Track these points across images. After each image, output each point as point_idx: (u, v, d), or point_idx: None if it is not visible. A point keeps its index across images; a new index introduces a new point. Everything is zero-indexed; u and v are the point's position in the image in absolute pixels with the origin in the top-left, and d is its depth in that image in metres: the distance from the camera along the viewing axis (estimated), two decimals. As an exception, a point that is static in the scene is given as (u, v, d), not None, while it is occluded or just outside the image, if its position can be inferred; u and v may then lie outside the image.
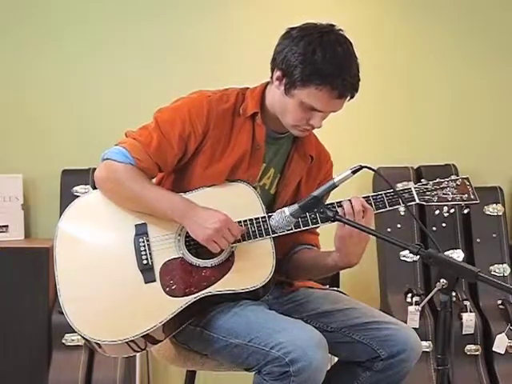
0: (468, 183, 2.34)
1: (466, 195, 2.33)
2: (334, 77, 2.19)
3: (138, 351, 2.28)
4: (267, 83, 2.38)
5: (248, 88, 2.41)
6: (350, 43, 2.26)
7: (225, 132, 2.34)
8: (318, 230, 2.50)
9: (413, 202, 2.31)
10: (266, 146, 2.37)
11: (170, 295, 2.25)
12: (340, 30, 2.27)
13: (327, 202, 2.27)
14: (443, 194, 2.32)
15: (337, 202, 2.27)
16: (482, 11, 4.09)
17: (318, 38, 2.21)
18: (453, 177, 2.35)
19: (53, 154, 3.90)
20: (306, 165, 2.44)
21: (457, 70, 4.10)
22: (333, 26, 2.27)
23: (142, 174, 2.29)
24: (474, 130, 4.10)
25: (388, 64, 4.05)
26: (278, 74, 2.27)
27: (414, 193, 2.31)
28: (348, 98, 2.25)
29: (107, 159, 2.31)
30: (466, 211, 2.35)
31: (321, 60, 2.19)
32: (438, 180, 2.33)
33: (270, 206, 2.39)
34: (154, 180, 2.39)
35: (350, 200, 2.24)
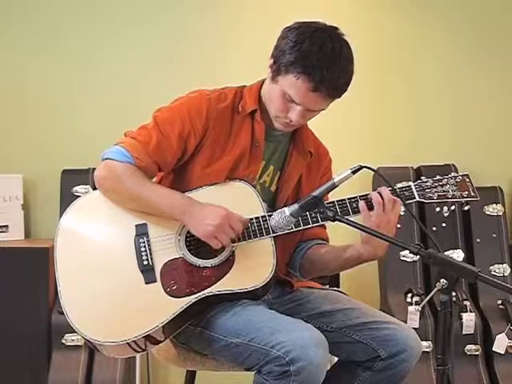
0: (468, 180, 2.34)
1: (466, 192, 2.32)
2: (313, 68, 2.17)
3: (138, 351, 2.28)
4: (263, 80, 2.39)
5: (245, 86, 2.41)
6: (348, 48, 2.25)
7: (224, 130, 2.34)
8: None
9: (413, 200, 2.30)
10: (264, 143, 2.37)
11: (171, 295, 2.25)
12: (342, 34, 2.26)
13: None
14: (443, 191, 2.31)
15: (360, 196, 2.27)
16: (483, 11, 4.09)
17: (312, 31, 2.22)
18: (453, 174, 2.34)
19: (53, 153, 3.90)
20: (305, 161, 2.44)
21: (457, 69, 4.10)
22: (336, 28, 2.27)
23: (141, 173, 2.29)
24: (473, 130, 4.10)
25: (388, 64, 4.05)
26: (270, 61, 2.28)
27: (414, 190, 2.30)
28: (325, 96, 2.22)
29: (107, 159, 2.31)
30: (466, 208, 2.34)
31: (306, 50, 2.19)
32: (437, 177, 2.33)
33: (272, 203, 2.39)
34: (154, 179, 2.39)
35: (378, 192, 2.24)
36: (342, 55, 2.22)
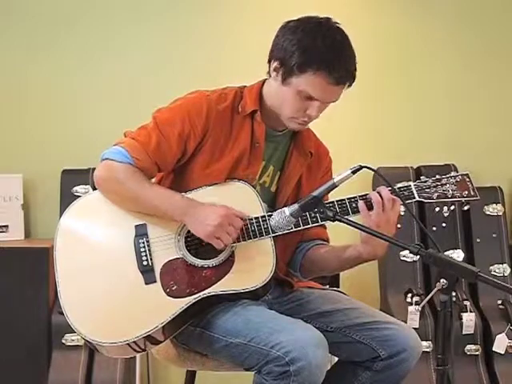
0: (468, 180, 2.33)
1: (466, 192, 2.31)
2: (332, 62, 2.19)
3: (138, 352, 2.28)
4: (264, 80, 2.39)
5: (245, 86, 2.41)
6: (346, 34, 2.27)
7: (224, 131, 2.34)
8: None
9: (412, 200, 2.30)
10: (264, 143, 2.37)
11: (171, 296, 2.25)
12: (337, 22, 2.28)
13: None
14: (443, 190, 2.31)
15: (359, 196, 2.27)
16: (482, 10, 4.09)
17: (315, 26, 2.24)
18: (453, 173, 2.33)
19: (53, 153, 3.90)
20: (305, 161, 2.44)
21: (457, 69, 4.10)
22: (329, 18, 2.29)
23: (141, 173, 2.29)
24: (473, 129, 4.10)
25: (388, 64, 4.05)
26: (275, 64, 2.28)
27: (414, 190, 2.30)
28: (343, 86, 2.25)
29: (106, 159, 2.31)
30: (466, 208, 2.34)
31: (319, 46, 2.20)
32: (437, 177, 2.32)
33: (272, 203, 2.39)
34: (153, 180, 2.39)
35: (377, 191, 2.24)
36: (347, 43, 2.26)
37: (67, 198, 3.25)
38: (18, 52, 3.92)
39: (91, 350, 3.48)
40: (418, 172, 3.92)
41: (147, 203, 2.28)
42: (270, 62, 2.31)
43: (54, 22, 3.92)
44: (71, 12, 3.93)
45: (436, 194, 2.30)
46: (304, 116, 2.29)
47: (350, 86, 2.27)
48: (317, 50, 2.20)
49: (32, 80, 3.93)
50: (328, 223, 2.28)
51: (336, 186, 2.08)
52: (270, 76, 2.32)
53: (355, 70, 2.26)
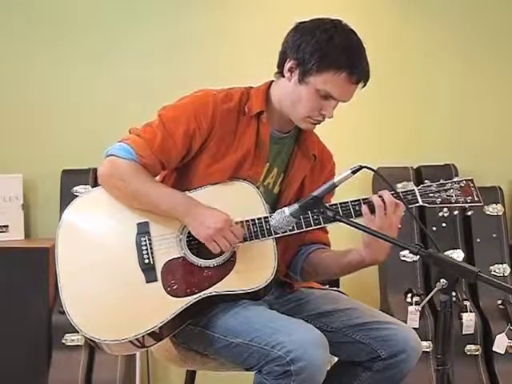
0: (472, 185, 2.33)
1: (470, 197, 2.31)
2: (353, 62, 2.24)
3: (140, 347, 2.28)
4: (271, 82, 2.39)
5: (252, 87, 2.41)
6: (359, 36, 2.32)
7: (229, 130, 2.34)
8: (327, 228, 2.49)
9: (416, 204, 2.29)
10: (269, 145, 2.37)
11: (172, 295, 2.25)
12: (347, 24, 2.33)
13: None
14: (447, 195, 2.30)
15: (362, 199, 2.27)
16: (484, 11, 4.09)
17: (332, 27, 2.27)
18: (456, 178, 2.33)
19: (53, 154, 3.90)
20: (309, 164, 2.44)
21: (457, 69, 4.10)
22: (341, 20, 2.32)
23: (145, 170, 2.29)
24: (473, 130, 4.10)
25: (388, 64, 4.05)
26: (290, 64, 2.28)
27: (418, 195, 2.29)
28: (362, 85, 2.30)
29: (111, 155, 2.31)
30: (469, 213, 2.34)
31: (338, 46, 2.23)
32: (441, 181, 2.31)
33: (274, 205, 2.39)
34: (157, 177, 2.39)
35: (379, 195, 2.24)
36: (361, 44, 2.30)
37: (67, 198, 3.22)
38: (18, 52, 3.92)
39: (91, 349, 3.49)
40: (418, 172, 3.92)
41: (149, 200, 2.28)
42: (283, 61, 2.31)
43: (54, 22, 3.92)
44: (72, 13, 3.93)
45: (439, 199, 2.30)
46: (318, 115, 2.30)
47: (364, 85, 2.30)
48: (338, 52, 2.23)
49: (32, 80, 3.93)
50: (330, 227, 2.27)
51: (336, 186, 2.09)
52: (283, 76, 2.32)
53: (369, 69, 2.30)
